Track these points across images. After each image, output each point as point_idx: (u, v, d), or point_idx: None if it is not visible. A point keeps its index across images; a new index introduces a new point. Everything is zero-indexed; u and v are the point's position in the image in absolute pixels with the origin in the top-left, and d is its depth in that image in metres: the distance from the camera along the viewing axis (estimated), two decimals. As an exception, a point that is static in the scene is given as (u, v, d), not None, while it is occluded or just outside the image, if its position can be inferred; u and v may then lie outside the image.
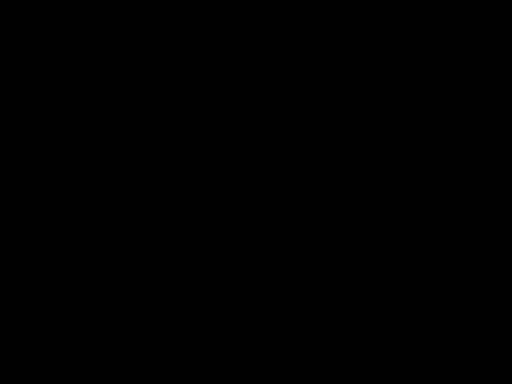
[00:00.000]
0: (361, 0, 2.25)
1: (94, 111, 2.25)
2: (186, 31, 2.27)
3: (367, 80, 2.25)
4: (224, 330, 2.21)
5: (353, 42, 2.26)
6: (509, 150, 2.22)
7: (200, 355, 2.20)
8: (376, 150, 2.24)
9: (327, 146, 2.24)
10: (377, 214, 2.23)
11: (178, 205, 2.24)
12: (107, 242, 2.22)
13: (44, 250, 2.22)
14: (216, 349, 2.20)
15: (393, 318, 2.20)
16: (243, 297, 2.21)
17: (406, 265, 2.21)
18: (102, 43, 2.26)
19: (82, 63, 2.26)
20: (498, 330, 2.18)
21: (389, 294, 2.21)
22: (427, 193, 2.23)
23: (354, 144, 2.24)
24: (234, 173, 2.24)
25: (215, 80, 2.26)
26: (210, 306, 2.21)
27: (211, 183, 2.24)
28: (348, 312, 2.21)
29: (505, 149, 2.23)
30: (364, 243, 2.22)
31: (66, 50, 2.26)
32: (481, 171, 2.23)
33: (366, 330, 2.20)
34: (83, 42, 2.26)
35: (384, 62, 2.25)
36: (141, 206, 2.24)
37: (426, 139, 2.24)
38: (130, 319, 2.21)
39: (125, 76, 2.26)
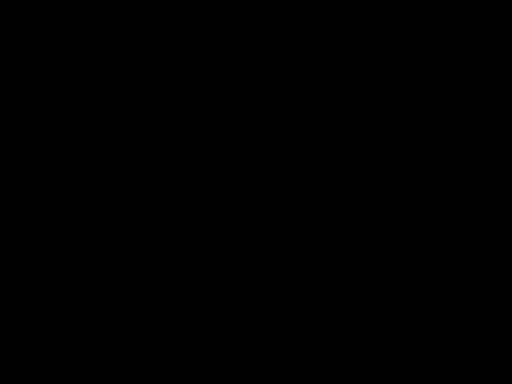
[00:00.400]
0: (361, 0, 2.26)
1: (93, 111, 2.26)
2: (186, 31, 2.27)
3: (367, 80, 2.25)
4: (224, 329, 2.21)
5: (353, 42, 2.26)
6: (509, 150, 2.23)
7: (200, 355, 2.20)
8: (376, 150, 2.24)
9: (327, 145, 2.25)
10: (377, 214, 2.23)
11: (177, 205, 2.24)
12: (107, 241, 2.23)
13: (44, 249, 2.22)
14: (216, 349, 2.20)
15: (393, 317, 2.20)
16: (243, 297, 2.22)
17: (405, 265, 2.22)
18: (102, 43, 2.26)
19: (81, 63, 2.26)
20: (498, 330, 2.19)
21: (389, 293, 2.21)
22: (427, 193, 2.23)
23: (353, 144, 2.25)
24: (234, 173, 2.24)
25: (215, 80, 2.26)
26: (210, 306, 2.22)
27: (211, 183, 2.24)
28: (348, 312, 2.21)
29: (505, 149, 2.23)
30: (364, 243, 2.22)
31: (66, 50, 2.26)
32: (481, 171, 2.23)
33: (366, 330, 2.20)
34: (83, 42, 2.26)
35: (384, 62, 2.26)
36: (140, 206, 2.24)
37: (425, 139, 2.24)
38: (129, 319, 2.21)
39: (125, 76, 2.26)
